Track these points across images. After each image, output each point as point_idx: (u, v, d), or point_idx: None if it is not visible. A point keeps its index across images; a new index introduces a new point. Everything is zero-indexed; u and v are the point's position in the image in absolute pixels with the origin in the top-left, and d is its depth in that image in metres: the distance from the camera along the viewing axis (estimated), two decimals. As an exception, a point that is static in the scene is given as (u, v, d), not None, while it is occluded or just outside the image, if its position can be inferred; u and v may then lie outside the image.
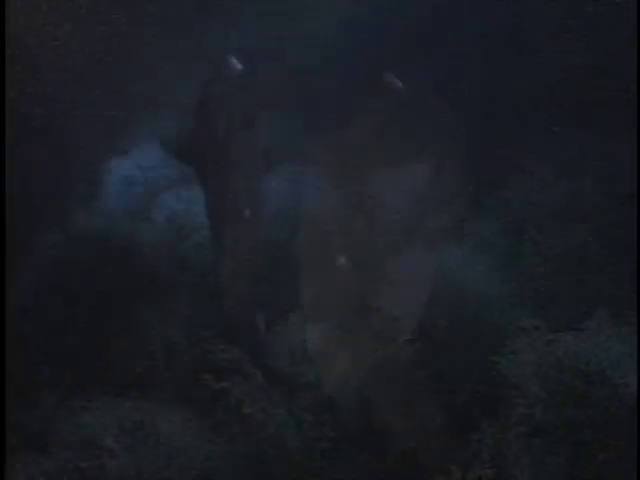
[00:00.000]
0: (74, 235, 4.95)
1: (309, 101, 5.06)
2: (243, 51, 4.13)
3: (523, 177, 3.60)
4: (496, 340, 2.71)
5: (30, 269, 4.84)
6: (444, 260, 3.07)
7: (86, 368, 3.85)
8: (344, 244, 3.75)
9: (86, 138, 5.45)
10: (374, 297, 3.03)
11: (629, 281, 2.90)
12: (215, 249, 3.26)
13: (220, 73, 3.05)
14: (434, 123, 4.49)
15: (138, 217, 4.74)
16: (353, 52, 5.13)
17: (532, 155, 3.75)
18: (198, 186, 3.46)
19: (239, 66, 3.12)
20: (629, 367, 2.39)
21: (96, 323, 4.12)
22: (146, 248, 4.47)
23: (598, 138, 3.80)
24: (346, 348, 2.93)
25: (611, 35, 3.98)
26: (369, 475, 2.70)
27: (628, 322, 2.59)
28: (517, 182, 3.57)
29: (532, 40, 4.51)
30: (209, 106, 2.99)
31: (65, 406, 2.91)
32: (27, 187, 5.10)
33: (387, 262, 3.12)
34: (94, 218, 5.05)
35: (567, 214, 3.41)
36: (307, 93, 5.09)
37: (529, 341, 2.46)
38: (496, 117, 4.24)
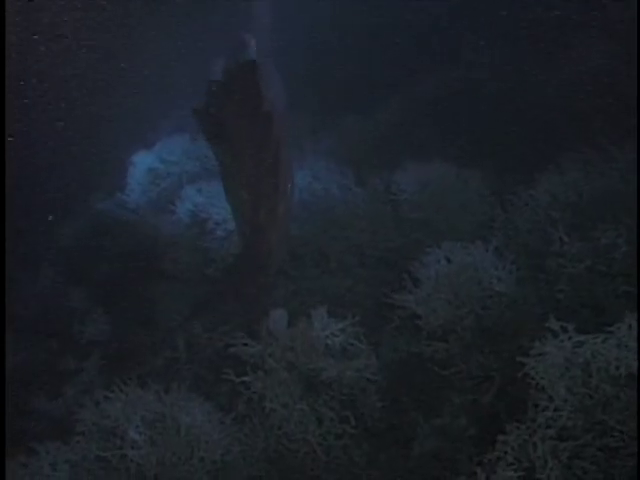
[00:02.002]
0: (99, 226, 5.01)
1: (330, 94, 5.05)
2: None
3: (552, 176, 3.52)
4: (523, 341, 2.66)
5: (55, 259, 4.90)
6: (470, 258, 3.02)
7: (108, 359, 3.89)
8: (368, 240, 3.73)
9: (112, 132, 5.51)
10: (398, 294, 3.00)
11: (660, 283, 2.83)
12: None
13: (237, 52, 3.01)
14: (460, 121, 4.44)
15: (161, 210, 4.77)
16: (378, 48, 5.10)
17: (561, 154, 3.67)
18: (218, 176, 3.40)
19: (253, 40, 3.07)
20: (660, 371, 2.32)
21: (118, 314, 4.17)
22: (169, 240, 4.50)
23: (628, 138, 3.72)
24: (369, 345, 2.90)
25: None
26: (390, 474, 2.68)
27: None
28: (545, 181, 3.49)
29: (562, 36, 4.43)
30: (230, 85, 2.95)
31: (88, 396, 2.93)
32: (54, 179, 5.17)
33: (412, 259, 3.08)
34: (119, 210, 5.10)
35: (596, 214, 3.33)
36: (330, 87, 5.07)
37: (557, 343, 2.40)
38: (525, 115, 4.17)
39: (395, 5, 5.14)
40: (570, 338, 2.41)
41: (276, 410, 2.75)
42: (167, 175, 5.20)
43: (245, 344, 2.87)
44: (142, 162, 5.25)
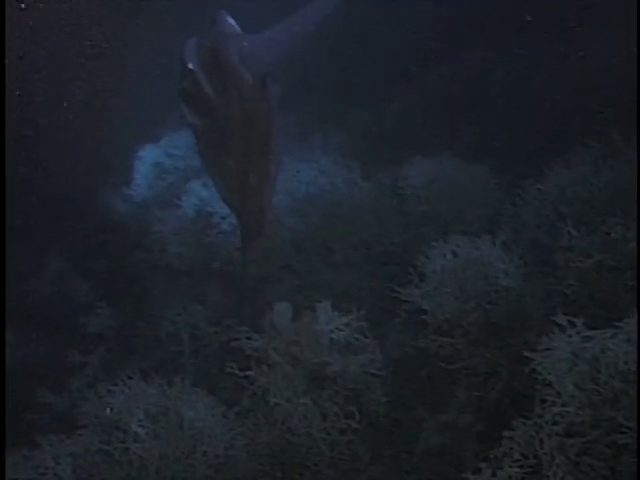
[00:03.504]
0: (105, 220, 5.01)
1: (336, 88, 5.02)
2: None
3: (560, 170, 3.47)
4: (530, 336, 2.63)
5: (60, 253, 4.91)
6: (477, 253, 2.98)
7: (113, 352, 3.89)
8: (374, 234, 3.70)
9: (118, 126, 5.50)
10: (404, 289, 2.97)
11: (671, 279, 2.78)
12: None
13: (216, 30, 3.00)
14: (468, 115, 4.39)
15: (167, 204, 4.76)
16: (385, 41, 5.06)
17: (570, 148, 3.62)
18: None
19: (228, 17, 3.04)
20: (670, 368, 2.28)
21: (123, 308, 4.16)
22: (174, 235, 4.48)
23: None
24: (374, 339, 2.87)
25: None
26: (395, 469, 2.66)
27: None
28: (554, 175, 3.45)
29: (571, 29, 4.38)
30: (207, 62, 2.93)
31: (92, 389, 2.92)
32: (60, 174, 5.18)
33: (418, 253, 3.05)
34: (125, 204, 5.10)
35: (605, 209, 3.28)
36: (337, 80, 5.04)
37: (564, 338, 2.36)
38: (534, 109, 4.12)
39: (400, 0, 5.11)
40: (578, 333, 2.37)
41: (280, 404, 2.73)
42: (173, 169, 5.20)
43: (249, 338, 2.84)
44: (148, 156, 5.25)
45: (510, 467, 2.17)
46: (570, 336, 2.37)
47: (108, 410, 2.66)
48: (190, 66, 3.00)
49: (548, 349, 2.33)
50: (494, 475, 2.16)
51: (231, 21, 3.09)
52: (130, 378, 2.82)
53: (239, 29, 3.07)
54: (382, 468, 2.68)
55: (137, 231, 4.79)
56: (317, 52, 5.20)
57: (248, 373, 2.80)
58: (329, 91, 5.10)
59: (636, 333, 2.32)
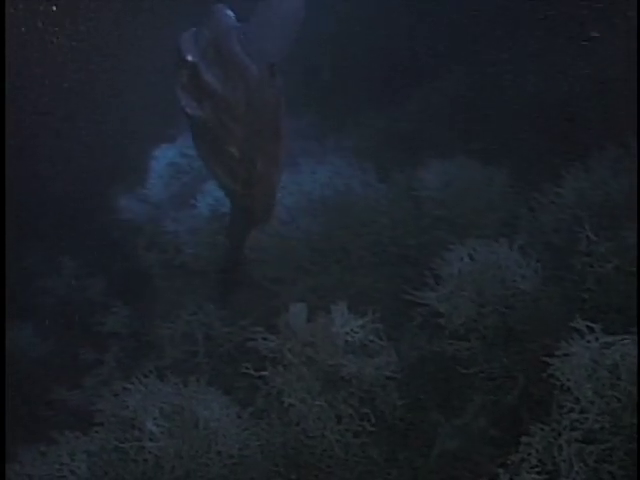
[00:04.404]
0: (119, 219, 5.04)
1: (352, 89, 5.01)
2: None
3: (578, 174, 3.44)
4: (548, 341, 2.60)
5: (75, 252, 4.95)
6: (494, 256, 2.96)
7: (127, 351, 3.91)
8: (389, 236, 3.70)
9: (133, 125, 5.53)
10: (420, 291, 2.96)
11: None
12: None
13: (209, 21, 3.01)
14: (485, 117, 4.37)
15: (182, 204, 4.78)
16: (401, 41, 5.04)
17: (588, 151, 3.59)
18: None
19: (227, 10, 3.07)
20: (691, 375, 2.25)
21: (138, 306, 4.19)
22: (189, 235, 4.50)
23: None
24: (389, 341, 2.87)
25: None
26: (409, 473, 2.64)
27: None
28: (572, 179, 3.42)
29: (587, 31, 4.33)
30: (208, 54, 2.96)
31: (107, 387, 2.94)
32: (76, 172, 5.22)
33: (434, 256, 3.04)
34: (140, 204, 5.12)
35: (624, 213, 3.25)
36: (352, 82, 5.04)
37: (583, 343, 2.34)
38: (551, 111, 4.09)
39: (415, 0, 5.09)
40: (597, 339, 2.35)
41: (294, 405, 2.73)
42: (188, 169, 5.21)
43: (264, 338, 2.85)
44: (163, 156, 5.27)
45: (527, 473, 2.15)
46: (589, 342, 2.35)
47: None
48: (189, 58, 3.04)
49: (567, 354, 2.31)
50: (511, 481, 2.14)
51: (230, 13, 3.11)
52: (146, 377, 2.83)
53: (234, 20, 3.09)
54: (397, 471, 2.66)
55: (152, 231, 4.82)
56: (331, 53, 5.21)
57: (263, 373, 2.80)
58: (344, 93, 5.09)
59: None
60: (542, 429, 2.19)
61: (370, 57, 5.01)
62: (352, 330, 2.84)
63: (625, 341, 2.31)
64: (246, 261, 3.83)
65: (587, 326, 2.39)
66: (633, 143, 3.47)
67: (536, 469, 2.15)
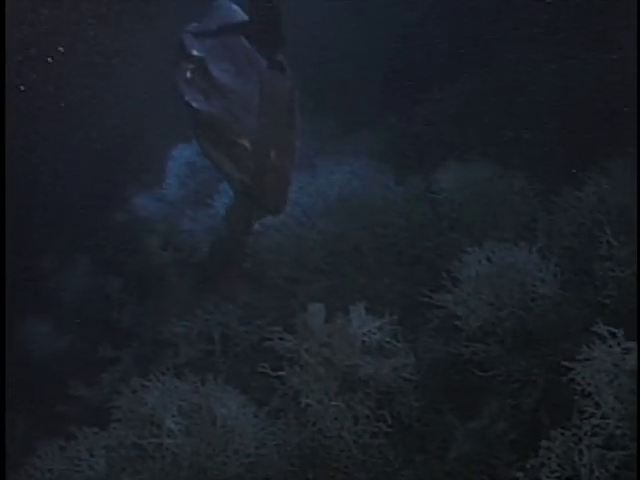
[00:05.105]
0: (136, 218, 5.08)
1: (369, 91, 5.01)
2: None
3: (598, 177, 3.41)
4: (568, 345, 2.59)
5: (93, 249, 5.00)
6: (512, 259, 2.95)
7: (145, 348, 3.94)
8: (406, 238, 3.69)
9: (150, 125, 5.57)
10: (437, 294, 2.95)
11: None
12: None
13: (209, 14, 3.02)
14: (504, 120, 4.35)
15: (199, 203, 4.81)
16: (419, 43, 5.04)
17: (608, 155, 3.56)
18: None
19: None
20: None
21: (155, 304, 4.22)
22: (206, 234, 4.53)
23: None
24: (406, 343, 2.86)
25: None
26: (426, 475, 2.64)
27: None
28: (592, 183, 3.39)
29: (608, 34, 4.30)
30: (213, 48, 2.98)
31: (125, 384, 2.96)
32: (94, 172, 5.27)
33: (451, 259, 3.03)
34: (156, 203, 5.16)
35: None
36: (370, 84, 5.04)
37: (605, 348, 2.32)
38: (571, 115, 4.07)
39: (436, 3, 5.08)
40: (619, 344, 2.33)
41: (311, 406, 2.73)
42: (205, 169, 5.24)
43: (281, 338, 2.85)
44: (180, 156, 5.31)
45: (547, 477, 2.14)
46: (611, 347, 2.33)
47: None
48: (194, 52, 3.05)
49: (588, 359, 2.30)
50: (531, 485, 2.13)
51: (236, 8, 3.13)
52: (163, 374, 2.85)
53: (244, 15, 3.10)
54: (413, 473, 2.66)
55: (168, 230, 4.86)
56: (348, 55, 5.22)
57: (280, 373, 2.81)
58: (361, 94, 5.10)
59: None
60: (562, 434, 2.17)
61: (388, 59, 5.02)
62: (369, 331, 2.84)
63: (647, 347, 2.29)
64: (243, 251, 3.85)
65: (608, 331, 2.37)
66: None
67: (556, 474, 2.14)
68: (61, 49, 4.90)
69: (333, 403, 2.73)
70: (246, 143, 3.02)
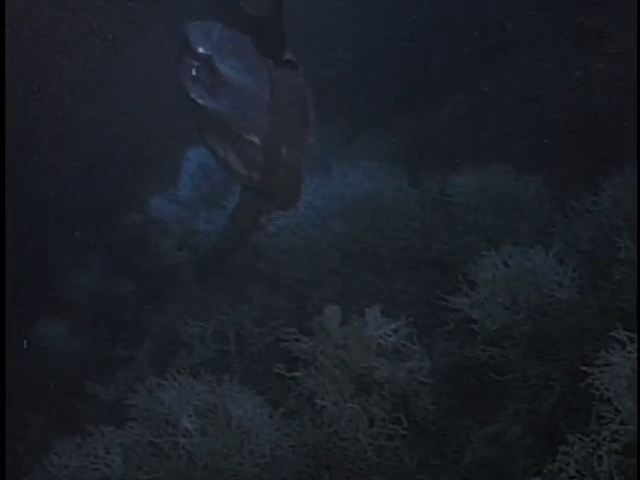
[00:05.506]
0: (150, 219, 5.11)
1: (384, 93, 5.02)
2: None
3: (615, 181, 3.40)
4: (585, 350, 2.58)
5: (107, 249, 5.03)
6: (529, 263, 2.94)
7: (159, 347, 3.96)
8: (421, 241, 3.69)
9: (166, 126, 5.61)
10: (453, 297, 2.94)
11: None
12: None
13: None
14: (519, 123, 4.34)
15: (213, 204, 4.83)
16: (435, 47, 5.04)
17: (626, 159, 3.54)
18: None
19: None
20: None
21: (170, 305, 4.23)
22: (220, 235, 4.54)
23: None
24: (422, 346, 2.86)
25: None
26: (442, 479, 2.63)
27: None
28: (609, 187, 3.37)
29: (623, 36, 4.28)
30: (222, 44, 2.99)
31: (140, 383, 2.97)
32: (109, 172, 5.30)
33: (467, 262, 3.02)
34: (171, 204, 5.19)
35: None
36: (385, 86, 5.04)
37: (624, 354, 2.31)
38: (588, 118, 4.05)
39: (450, 3, 5.08)
40: (638, 350, 2.32)
41: (327, 407, 2.73)
42: (219, 170, 5.26)
43: (296, 340, 2.86)
44: (194, 157, 5.34)
45: (566, 483, 2.13)
46: (630, 352, 2.31)
47: None
48: (201, 50, 3.06)
49: (607, 364, 2.28)
50: (548, 490, 2.12)
51: (242, 6, 3.14)
52: (179, 373, 2.86)
53: (253, 13, 3.11)
54: (429, 476, 2.65)
55: (183, 231, 4.88)
56: (364, 56, 5.22)
57: (295, 374, 2.81)
58: (376, 96, 5.10)
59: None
60: (581, 439, 2.16)
61: (403, 61, 5.02)
62: (385, 333, 2.83)
63: (667, 353, 2.27)
64: (248, 247, 3.87)
65: (627, 336, 2.35)
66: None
67: (574, 479, 2.13)
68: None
69: (348, 405, 2.73)
70: (255, 139, 3.04)
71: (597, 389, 2.27)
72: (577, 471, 2.15)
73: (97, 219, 5.10)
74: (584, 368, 2.32)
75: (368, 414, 2.71)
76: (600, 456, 2.11)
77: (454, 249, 3.60)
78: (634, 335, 2.36)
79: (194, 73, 3.10)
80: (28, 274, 4.44)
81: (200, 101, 3.06)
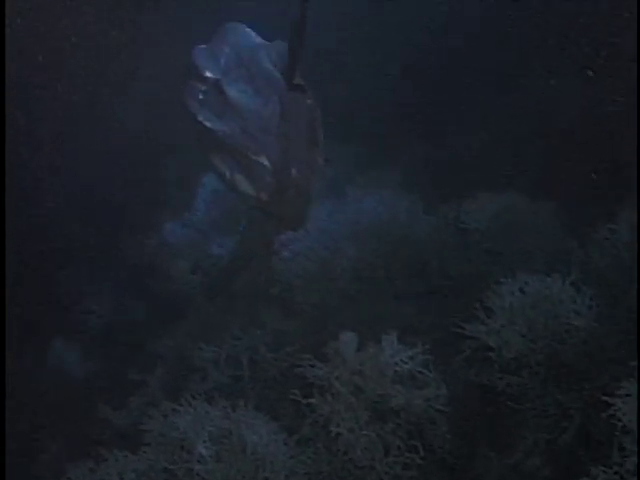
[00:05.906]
0: (164, 244, 5.14)
1: (398, 119, 5.06)
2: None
3: (633, 208, 3.39)
4: (605, 379, 2.54)
5: (120, 274, 5.06)
6: (546, 291, 2.92)
7: (172, 372, 3.94)
8: (437, 268, 3.68)
9: (181, 152, 5.68)
10: (469, 324, 2.92)
11: None
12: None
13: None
14: (534, 151, 4.36)
15: (227, 229, 4.86)
16: (448, 72, 5.09)
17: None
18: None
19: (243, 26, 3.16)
20: None
21: (182, 329, 4.23)
22: (229, 255, 4.55)
23: None
24: (438, 374, 2.83)
25: None
26: (459, 510, 2.58)
27: None
28: (626, 215, 3.37)
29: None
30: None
31: (154, 408, 2.96)
32: (124, 196, 5.36)
33: (484, 289, 3.01)
34: (184, 228, 5.23)
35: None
36: (398, 112, 5.08)
37: (645, 384, 2.27)
38: (603, 145, 4.06)
39: (465, 34, 5.15)
40: (660, 379, 2.28)
41: (342, 434, 2.70)
42: (232, 195, 5.30)
43: (312, 365, 2.84)
44: (208, 183, 5.39)
45: (588, 516, 2.08)
46: (651, 382, 2.28)
47: None
48: (208, 74, 3.11)
49: (629, 395, 2.25)
50: (571, 523, 2.07)
51: (250, 31, 3.20)
52: (194, 399, 2.85)
53: (259, 38, 3.16)
54: (446, 507, 2.61)
55: (197, 254, 4.90)
56: (377, 83, 5.29)
57: (310, 401, 2.79)
58: (390, 122, 5.15)
59: None
60: (604, 472, 2.11)
61: (417, 88, 5.08)
62: (401, 360, 2.81)
63: (689, 383, 2.23)
64: (262, 274, 3.87)
65: (648, 366, 2.32)
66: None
67: (597, 512, 2.08)
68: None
69: (364, 432, 2.69)
70: (264, 161, 3.06)
71: (619, 420, 2.23)
72: (600, 504, 2.11)
73: (112, 244, 5.14)
74: (606, 398, 2.29)
75: (384, 442, 2.68)
76: (623, 489, 2.07)
77: (470, 276, 3.59)
78: (655, 365, 2.33)
79: (201, 97, 3.15)
80: (41, 298, 4.48)
81: (208, 124, 3.10)
